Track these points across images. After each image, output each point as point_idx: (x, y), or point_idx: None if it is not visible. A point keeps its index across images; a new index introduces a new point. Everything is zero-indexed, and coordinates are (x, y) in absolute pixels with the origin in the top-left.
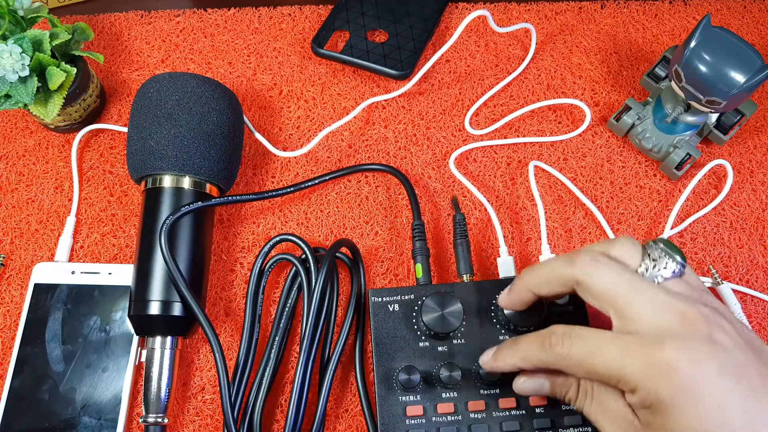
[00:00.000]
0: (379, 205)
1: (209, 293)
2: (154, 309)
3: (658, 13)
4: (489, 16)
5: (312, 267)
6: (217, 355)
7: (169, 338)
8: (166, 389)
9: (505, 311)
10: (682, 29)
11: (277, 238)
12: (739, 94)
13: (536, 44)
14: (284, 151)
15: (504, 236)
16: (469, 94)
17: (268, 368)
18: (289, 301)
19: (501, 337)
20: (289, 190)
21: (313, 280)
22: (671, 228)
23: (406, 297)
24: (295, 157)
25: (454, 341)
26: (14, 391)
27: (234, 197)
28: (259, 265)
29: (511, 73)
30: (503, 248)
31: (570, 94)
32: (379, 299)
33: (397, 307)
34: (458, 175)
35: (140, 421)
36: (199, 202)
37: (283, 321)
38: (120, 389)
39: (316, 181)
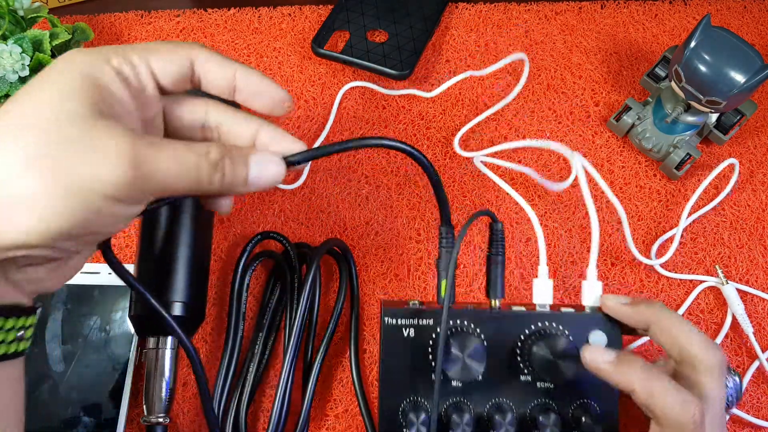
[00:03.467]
0: (379, 205)
1: (208, 293)
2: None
3: (658, 13)
4: (476, 73)
5: (295, 263)
6: (190, 350)
7: (169, 338)
8: (167, 389)
9: (535, 352)
10: (682, 29)
11: (258, 236)
12: (739, 94)
13: (532, 69)
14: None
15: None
16: (469, 94)
17: (252, 366)
18: (273, 297)
19: (522, 377)
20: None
21: (296, 279)
22: (672, 228)
23: (425, 322)
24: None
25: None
26: None
27: None
28: (242, 263)
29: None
30: (543, 268)
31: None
32: (393, 321)
33: (412, 332)
34: (484, 171)
35: (142, 421)
36: None
37: (266, 318)
38: (120, 389)
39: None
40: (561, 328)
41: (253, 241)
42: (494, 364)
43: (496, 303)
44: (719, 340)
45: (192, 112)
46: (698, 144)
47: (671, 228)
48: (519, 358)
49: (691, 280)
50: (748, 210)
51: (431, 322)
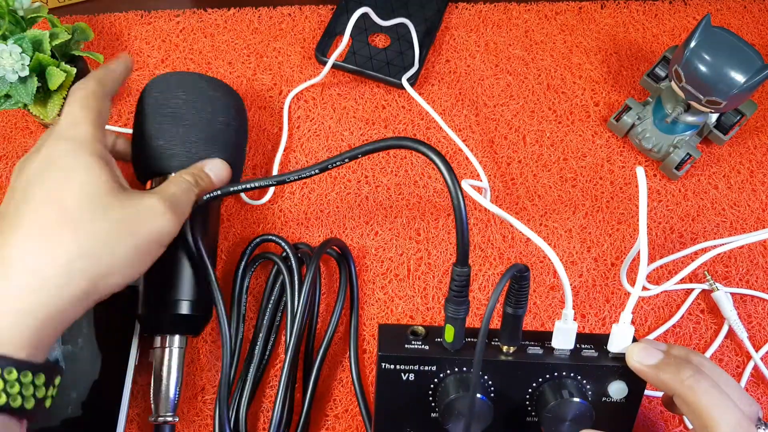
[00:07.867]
0: (379, 205)
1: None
2: (167, 308)
3: (658, 13)
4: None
5: (294, 265)
6: (226, 340)
7: (177, 337)
8: (175, 388)
9: (546, 416)
10: (682, 29)
11: (258, 239)
12: (739, 94)
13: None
14: (256, 199)
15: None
16: (469, 94)
17: (252, 366)
18: (272, 298)
19: (528, 418)
20: (314, 171)
21: (296, 280)
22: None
23: (427, 368)
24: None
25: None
26: None
27: (257, 181)
28: (242, 266)
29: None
30: (569, 311)
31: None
32: (391, 367)
33: (412, 377)
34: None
35: (150, 419)
36: (230, 188)
37: (266, 319)
38: (120, 389)
39: (345, 159)
40: (579, 377)
41: (252, 244)
42: (501, 413)
43: (507, 350)
44: (716, 345)
45: None
46: (698, 144)
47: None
48: (527, 411)
49: (685, 288)
50: (747, 210)
51: (434, 368)
